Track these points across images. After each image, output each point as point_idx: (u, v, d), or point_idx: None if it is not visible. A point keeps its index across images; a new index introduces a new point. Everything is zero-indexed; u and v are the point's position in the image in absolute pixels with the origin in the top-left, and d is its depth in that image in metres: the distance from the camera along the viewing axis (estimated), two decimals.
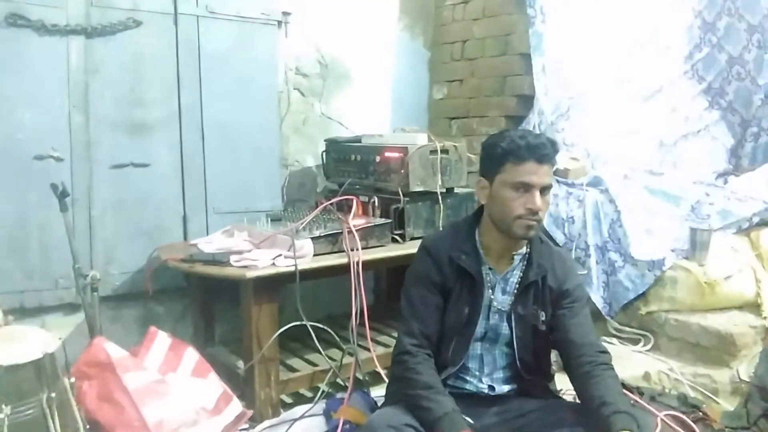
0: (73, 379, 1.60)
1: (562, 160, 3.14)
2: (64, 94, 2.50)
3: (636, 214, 2.88)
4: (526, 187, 1.69)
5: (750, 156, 3.41)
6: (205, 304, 2.70)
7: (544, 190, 1.71)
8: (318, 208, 2.56)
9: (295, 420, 2.20)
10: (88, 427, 1.63)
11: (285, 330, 2.28)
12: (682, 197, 2.98)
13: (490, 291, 1.82)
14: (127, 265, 2.65)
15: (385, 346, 2.55)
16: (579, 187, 3.04)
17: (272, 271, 2.22)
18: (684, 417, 2.11)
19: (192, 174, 2.78)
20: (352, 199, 2.61)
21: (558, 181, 3.07)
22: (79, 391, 1.74)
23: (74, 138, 2.53)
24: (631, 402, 2.03)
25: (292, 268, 2.21)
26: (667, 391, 2.35)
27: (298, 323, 2.28)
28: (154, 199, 2.70)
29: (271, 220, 2.59)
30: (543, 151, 1.69)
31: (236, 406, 2.16)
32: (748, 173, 3.14)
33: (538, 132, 3.29)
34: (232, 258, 2.28)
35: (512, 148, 1.71)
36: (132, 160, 2.66)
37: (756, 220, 2.95)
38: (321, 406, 2.27)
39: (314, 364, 2.45)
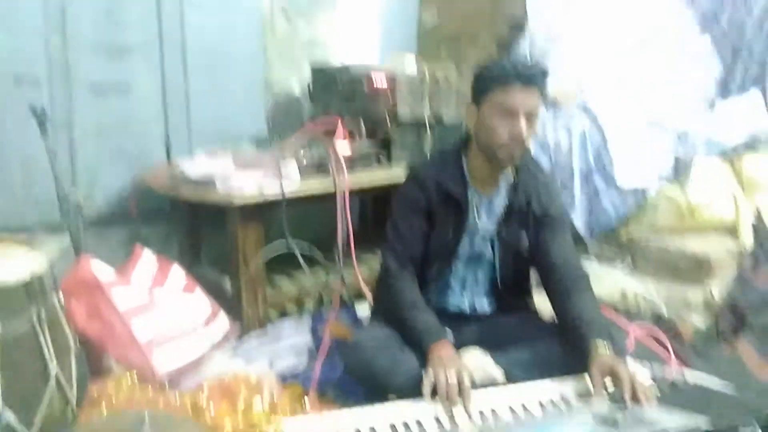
0: (62, 297, 1.62)
1: (551, 86, 3.11)
2: (40, 15, 2.42)
3: (622, 141, 2.89)
4: (511, 113, 1.69)
5: (739, 84, 3.40)
6: (190, 226, 2.70)
7: (530, 116, 1.70)
8: (304, 133, 2.54)
9: (282, 335, 2.27)
10: (78, 342, 1.67)
11: (271, 251, 2.30)
12: (669, 125, 2.98)
13: (476, 215, 1.85)
14: (111, 188, 2.63)
15: (370, 267, 2.59)
16: (567, 113, 3.03)
17: (258, 196, 2.22)
18: (657, 332, 2.20)
19: (174, 98, 2.73)
20: (338, 126, 2.59)
21: (546, 107, 3.05)
22: (68, 309, 1.77)
23: (52, 60, 2.46)
24: (607, 319, 2.10)
25: (278, 194, 2.22)
26: (642, 309, 2.43)
27: (284, 248, 2.30)
28: (135, 122, 2.66)
29: (256, 144, 2.57)
30: (530, 76, 1.68)
31: (224, 321, 2.20)
32: (735, 99, 3.14)
33: (528, 58, 3.27)
34: (217, 182, 2.28)
35: (499, 73, 1.71)
36: (112, 84, 2.60)
37: (740, 146, 2.97)
38: (307, 322, 2.33)
39: (300, 284, 2.49)
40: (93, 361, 1.80)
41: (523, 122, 1.68)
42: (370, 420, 1.42)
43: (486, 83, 1.73)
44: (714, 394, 1.58)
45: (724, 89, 3.43)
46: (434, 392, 1.50)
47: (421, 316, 1.72)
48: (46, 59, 2.45)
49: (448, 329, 1.82)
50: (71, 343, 1.62)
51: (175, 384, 1.92)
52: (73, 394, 1.55)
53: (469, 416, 1.45)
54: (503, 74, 1.69)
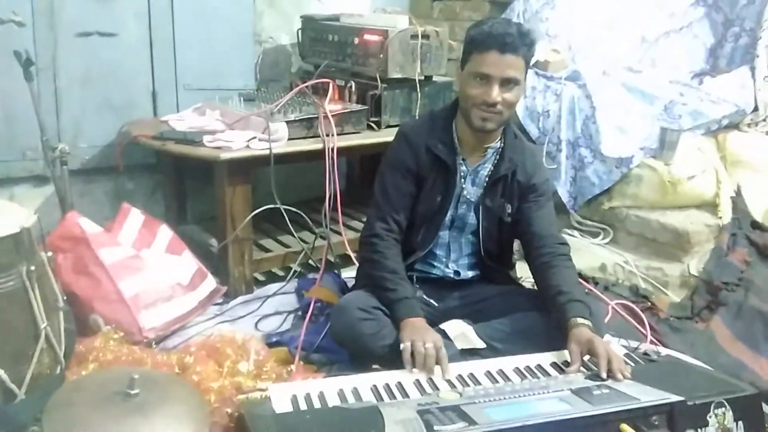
0: (50, 253, 1.61)
1: (543, 52, 3.09)
2: None
3: (610, 111, 2.89)
4: (486, 78, 1.69)
5: (728, 57, 3.39)
6: (177, 182, 2.68)
7: (507, 82, 1.69)
8: (293, 91, 2.51)
9: (268, 296, 2.29)
10: (65, 298, 1.67)
11: (258, 212, 2.31)
12: (656, 96, 2.99)
13: (462, 181, 1.86)
14: (96, 139, 2.58)
15: (356, 230, 2.59)
16: (557, 80, 3.02)
17: (246, 153, 2.20)
18: (633, 306, 2.27)
19: (161, 46, 2.66)
20: (328, 83, 2.56)
21: (537, 74, 3.04)
22: (55, 264, 1.76)
23: (36, 2, 2.37)
24: (586, 291, 2.16)
25: (267, 152, 2.20)
26: (620, 282, 2.49)
27: (271, 206, 2.30)
28: (121, 71, 2.59)
29: (244, 100, 2.53)
30: (506, 40, 1.66)
31: (211, 282, 2.22)
32: (724, 75, 3.14)
33: (521, 20, 3.22)
34: (206, 138, 2.25)
35: (477, 37, 1.71)
36: (98, 29, 2.52)
37: (725, 122, 3.00)
38: (293, 284, 2.36)
39: (287, 246, 2.50)
40: (80, 318, 1.81)
41: (496, 89, 1.68)
42: (354, 381, 1.46)
43: (467, 48, 1.74)
44: (687, 370, 1.65)
45: (714, 60, 3.43)
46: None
47: (401, 285, 1.75)
48: (29, 1, 2.36)
49: (430, 299, 1.86)
50: (59, 299, 1.62)
51: (161, 343, 1.95)
52: (61, 352, 1.57)
53: (449, 382, 1.50)
54: (480, 40, 1.69)
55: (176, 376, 1.64)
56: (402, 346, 1.57)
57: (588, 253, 2.62)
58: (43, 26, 2.41)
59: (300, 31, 3.00)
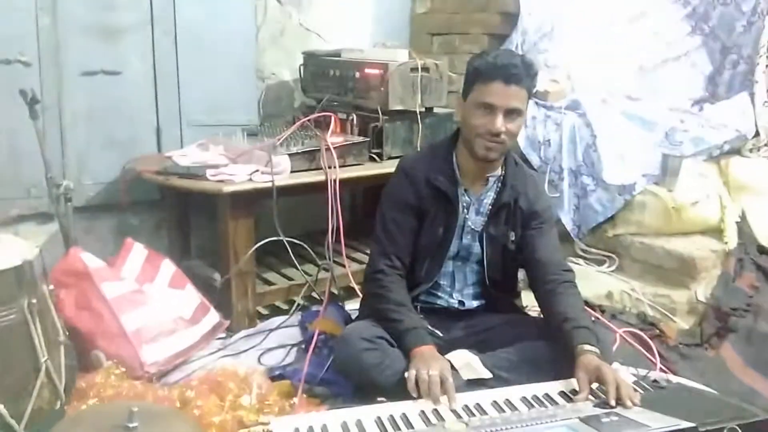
0: (51, 287, 1.61)
1: (542, 82, 3.12)
2: None
3: (611, 139, 2.90)
4: (490, 108, 1.70)
5: (727, 84, 3.42)
6: (180, 217, 2.69)
7: (511, 113, 1.70)
8: (296, 125, 2.53)
9: (272, 330, 2.27)
10: (67, 333, 1.66)
11: (261, 245, 2.31)
12: (657, 123, 3.00)
13: (465, 212, 1.86)
14: (101, 175, 2.61)
15: (360, 262, 2.60)
16: (557, 110, 3.04)
17: (249, 186, 2.22)
18: (641, 334, 2.24)
19: (165, 83, 2.70)
20: (330, 116, 2.59)
21: (537, 103, 3.06)
22: (57, 299, 1.76)
23: (42, 42, 2.42)
24: (592, 318, 2.13)
25: (269, 184, 2.21)
26: (627, 309, 2.46)
27: (274, 239, 2.30)
28: (126, 108, 2.63)
29: (248, 135, 2.55)
30: (511, 71, 1.68)
31: (213, 316, 2.21)
32: (724, 101, 3.16)
33: (520, 52, 3.27)
34: (209, 172, 2.27)
35: (482, 68, 1.72)
36: (103, 67, 2.56)
37: (726, 147, 3.01)
38: (297, 317, 2.34)
39: (290, 279, 2.50)
40: (81, 353, 1.80)
41: (500, 119, 1.69)
42: (357, 413, 1.44)
43: (470, 79, 1.75)
44: (697, 396, 1.61)
45: (713, 88, 3.45)
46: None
47: (408, 316, 1.74)
48: (36, 41, 2.41)
49: (435, 330, 1.84)
50: (61, 333, 1.61)
51: (163, 378, 1.93)
52: (62, 386, 1.55)
53: (454, 413, 1.47)
54: (485, 70, 1.71)
55: (177, 409, 1.62)
56: (407, 374, 1.56)
57: (594, 281, 2.60)
58: (48, 65, 2.45)
59: (302, 67, 3.05)
